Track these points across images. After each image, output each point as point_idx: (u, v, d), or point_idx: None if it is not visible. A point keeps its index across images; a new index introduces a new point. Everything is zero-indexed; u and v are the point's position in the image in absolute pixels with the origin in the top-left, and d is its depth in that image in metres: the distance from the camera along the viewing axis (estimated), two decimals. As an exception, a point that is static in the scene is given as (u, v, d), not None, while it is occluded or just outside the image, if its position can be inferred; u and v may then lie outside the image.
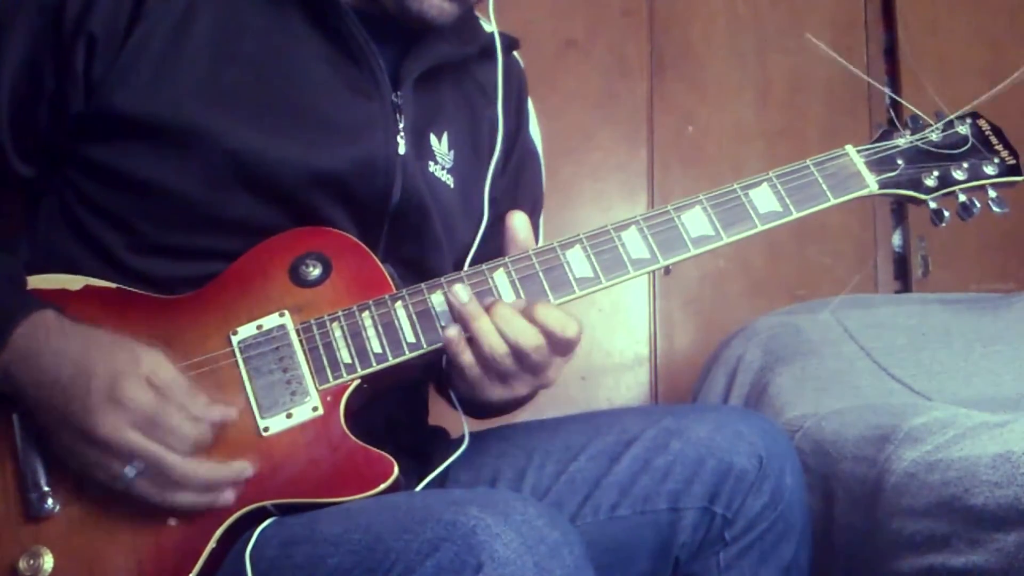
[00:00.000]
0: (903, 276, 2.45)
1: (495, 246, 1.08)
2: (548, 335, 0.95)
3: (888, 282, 2.43)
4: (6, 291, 0.97)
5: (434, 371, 1.11)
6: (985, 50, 2.49)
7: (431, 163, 1.14)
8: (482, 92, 1.23)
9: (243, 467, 0.93)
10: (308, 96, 1.06)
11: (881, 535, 1.18)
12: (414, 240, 1.11)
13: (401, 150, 1.09)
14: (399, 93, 1.10)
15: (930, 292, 2.21)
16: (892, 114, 1.06)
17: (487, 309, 0.96)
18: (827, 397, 1.54)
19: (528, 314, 0.96)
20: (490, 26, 1.22)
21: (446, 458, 1.09)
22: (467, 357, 0.95)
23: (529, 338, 0.94)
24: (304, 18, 1.08)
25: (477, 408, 1.10)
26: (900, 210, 2.45)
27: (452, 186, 1.16)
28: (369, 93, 1.09)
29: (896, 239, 2.47)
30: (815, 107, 2.46)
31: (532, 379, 0.98)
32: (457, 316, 0.96)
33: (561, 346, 0.96)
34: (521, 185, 1.28)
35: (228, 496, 0.92)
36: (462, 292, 0.96)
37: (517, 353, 0.94)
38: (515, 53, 1.29)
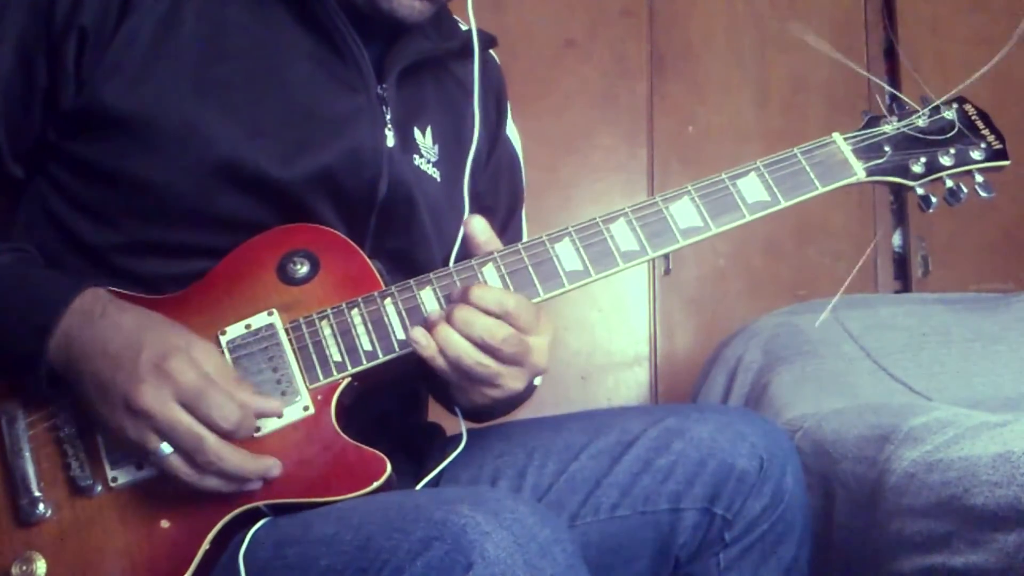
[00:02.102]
0: (903, 276, 2.45)
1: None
2: (506, 317, 0.93)
3: (888, 282, 2.43)
4: (57, 273, 0.99)
5: (429, 375, 1.11)
6: (985, 50, 2.48)
7: (416, 156, 1.13)
8: (461, 89, 1.22)
9: (274, 463, 0.92)
10: (294, 90, 1.06)
11: (881, 535, 1.18)
12: (402, 233, 1.11)
13: (389, 142, 1.09)
14: (384, 86, 1.10)
15: (930, 292, 2.22)
16: (884, 108, 1.06)
17: (448, 317, 0.94)
18: (827, 397, 1.54)
19: (464, 298, 0.94)
20: (467, 26, 1.21)
21: (442, 456, 1.08)
22: (440, 362, 0.94)
23: (495, 331, 0.92)
24: (289, 13, 1.08)
25: (480, 414, 1.08)
26: (900, 210, 2.45)
27: (439, 179, 1.16)
28: (355, 86, 1.09)
29: (896, 239, 2.47)
30: (815, 107, 2.46)
31: (519, 371, 0.96)
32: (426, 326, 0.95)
33: (522, 324, 0.94)
34: (501, 183, 1.28)
35: (255, 486, 0.92)
36: (428, 302, 0.96)
37: (486, 348, 0.93)
38: (492, 52, 1.29)
